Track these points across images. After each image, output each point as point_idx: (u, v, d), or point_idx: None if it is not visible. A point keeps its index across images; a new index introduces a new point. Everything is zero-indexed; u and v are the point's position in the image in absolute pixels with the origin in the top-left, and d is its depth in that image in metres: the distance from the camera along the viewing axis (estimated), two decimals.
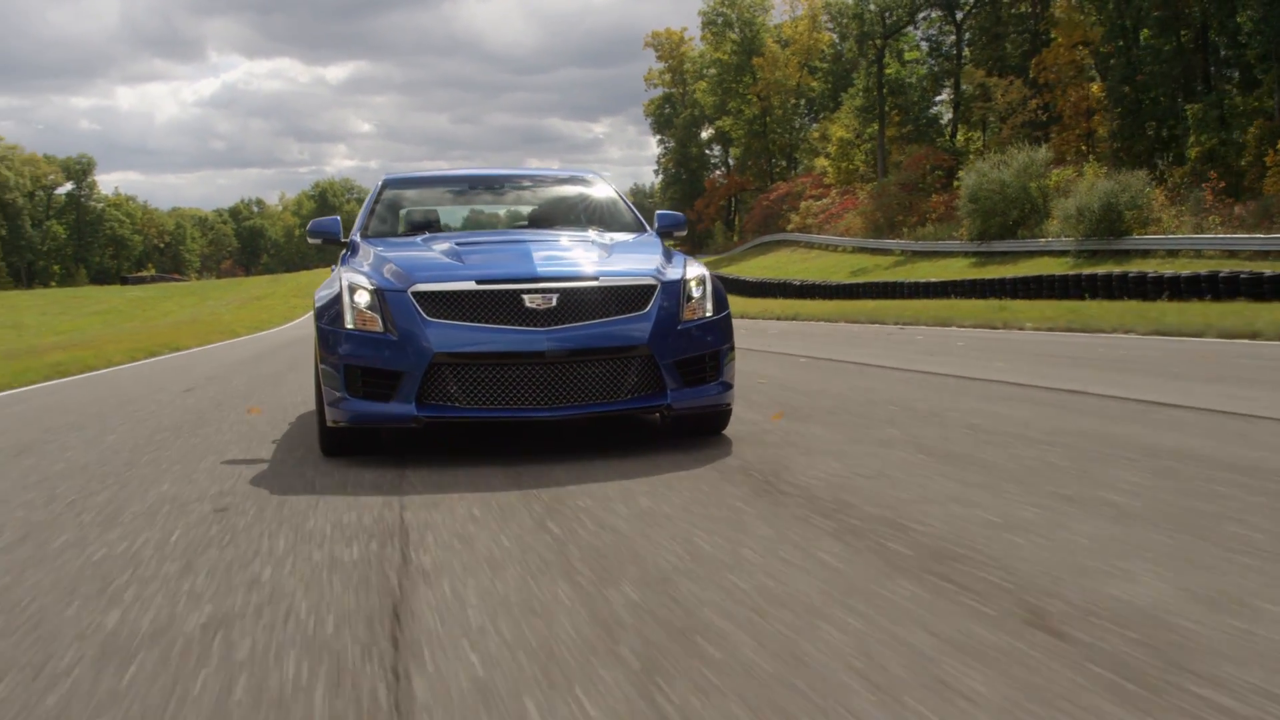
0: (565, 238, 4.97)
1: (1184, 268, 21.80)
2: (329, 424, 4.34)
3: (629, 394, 4.20)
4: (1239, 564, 2.26)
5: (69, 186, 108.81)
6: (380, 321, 4.19)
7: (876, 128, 50.70)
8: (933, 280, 27.69)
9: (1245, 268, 20.41)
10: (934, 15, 49.04)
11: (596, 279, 4.22)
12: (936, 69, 49.93)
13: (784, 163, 66.67)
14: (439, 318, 4.12)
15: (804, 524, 2.77)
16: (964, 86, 46.83)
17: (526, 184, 6.25)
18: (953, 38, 49.37)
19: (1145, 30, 36.74)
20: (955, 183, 41.21)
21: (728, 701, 1.64)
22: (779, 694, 1.66)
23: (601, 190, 6.05)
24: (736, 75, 65.71)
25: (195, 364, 12.51)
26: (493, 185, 6.25)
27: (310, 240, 5.50)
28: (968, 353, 8.94)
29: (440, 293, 4.16)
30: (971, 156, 43.71)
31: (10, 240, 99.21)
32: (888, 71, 50.41)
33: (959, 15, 48.56)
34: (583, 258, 4.47)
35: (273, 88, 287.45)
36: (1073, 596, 2.06)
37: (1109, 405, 4.92)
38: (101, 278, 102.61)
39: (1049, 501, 2.92)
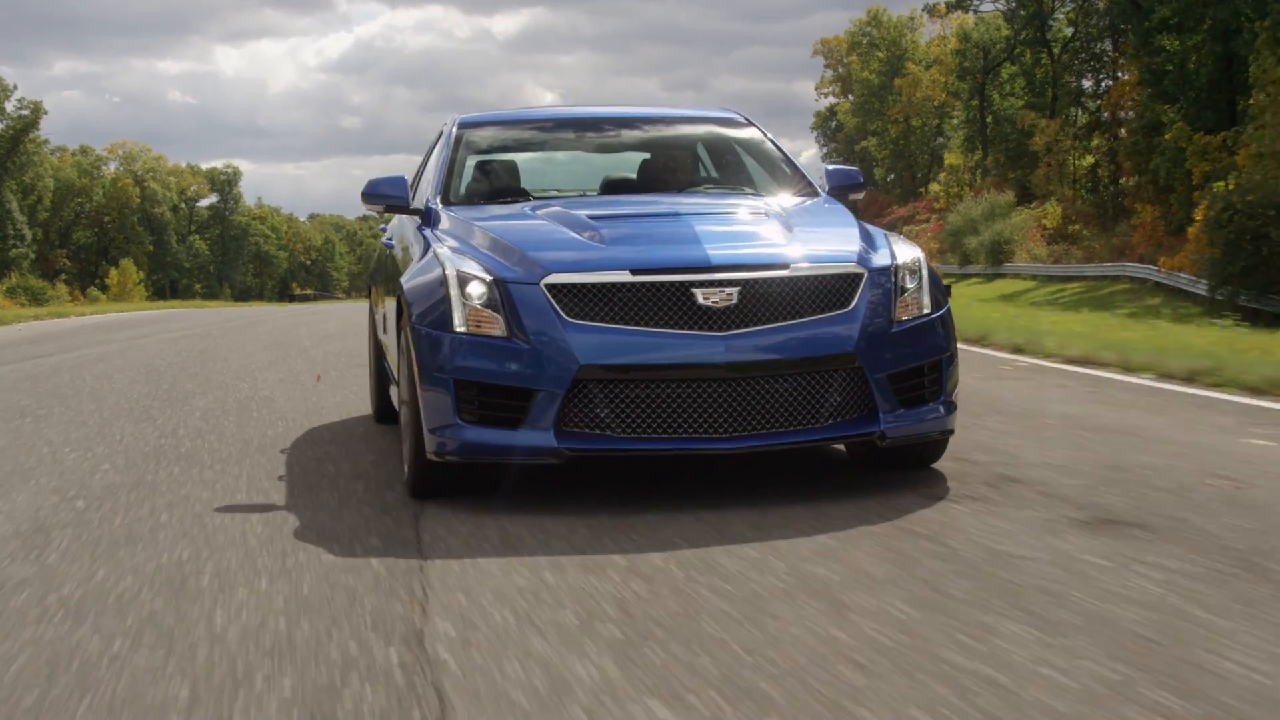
0: (731, 207, 5.33)
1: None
2: (430, 456, 4.54)
3: (830, 418, 4.47)
4: None
5: (213, 199, 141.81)
6: (503, 323, 4.40)
7: (979, 156, 72.97)
8: None
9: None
10: (1028, 55, 70.90)
11: (787, 266, 4.48)
12: (1034, 103, 71.72)
13: (925, 183, 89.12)
14: (583, 318, 4.36)
15: None
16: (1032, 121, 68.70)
17: (651, 126, 6.57)
18: (1051, 72, 70.99)
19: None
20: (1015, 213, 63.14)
21: None
22: None
23: (750, 136, 6.35)
24: (879, 95, 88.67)
25: None
26: (607, 128, 6.58)
27: (367, 207, 5.72)
28: None
29: (584, 286, 4.40)
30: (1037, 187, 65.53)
31: (157, 257, 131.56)
32: (996, 104, 72.52)
33: (1056, 51, 70.08)
34: (764, 236, 4.78)
35: (422, 44, 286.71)
36: None
37: None
38: (244, 297, 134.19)
39: None
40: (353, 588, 3.62)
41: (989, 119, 72.38)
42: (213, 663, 2.98)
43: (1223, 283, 35.90)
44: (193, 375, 10.58)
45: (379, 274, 7.11)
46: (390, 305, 5.89)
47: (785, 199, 5.61)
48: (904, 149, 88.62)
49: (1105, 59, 67.18)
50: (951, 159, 75.95)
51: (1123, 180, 58.88)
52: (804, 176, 5.96)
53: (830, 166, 5.86)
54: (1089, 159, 66.63)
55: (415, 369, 4.59)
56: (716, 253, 4.49)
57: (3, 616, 3.42)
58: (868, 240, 4.89)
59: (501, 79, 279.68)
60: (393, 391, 5.98)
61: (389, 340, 6.01)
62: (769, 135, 6.30)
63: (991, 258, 51.32)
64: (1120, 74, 65.27)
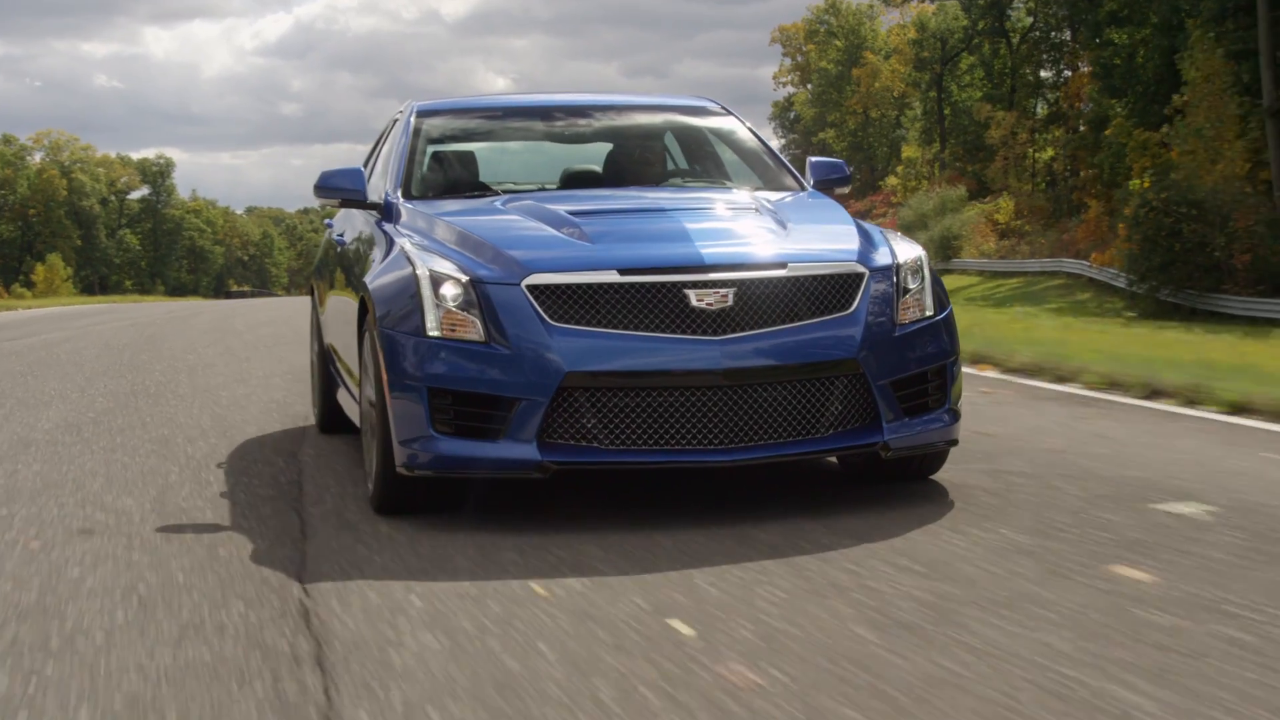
0: (718, 202, 5.49)
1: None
2: (400, 469, 4.64)
3: (831, 428, 4.59)
4: None
5: (144, 191, 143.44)
6: (480, 327, 4.50)
7: (937, 149, 76.94)
8: None
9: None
10: (987, 45, 74.83)
11: (784, 266, 4.61)
12: (993, 94, 75.68)
13: (885, 176, 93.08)
14: (567, 322, 4.46)
15: None
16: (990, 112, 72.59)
17: (622, 115, 6.74)
18: (1009, 63, 74.95)
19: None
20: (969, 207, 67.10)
21: None
22: None
23: (727, 126, 6.54)
24: (837, 86, 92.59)
25: None
26: (575, 116, 6.75)
27: (321, 201, 5.93)
28: None
29: (569, 287, 4.51)
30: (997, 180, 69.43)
31: (85, 252, 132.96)
32: (954, 96, 76.53)
33: (1015, 41, 74.05)
34: (758, 234, 4.91)
35: (367, 27, 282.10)
36: None
37: None
38: (178, 294, 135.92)
39: None
40: (264, 441, 6.98)
41: (947, 111, 76.31)
42: (190, 461, 6.31)
43: (1141, 278, 39.60)
44: (147, 351, 13.90)
45: (325, 270, 7.28)
46: (339, 303, 6.36)
47: (769, 193, 5.76)
48: (862, 141, 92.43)
49: (1065, 49, 71.06)
50: (909, 152, 79.83)
51: (1083, 173, 62.84)
52: (788, 169, 6.12)
53: (814, 159, 6.04)
54: (1049, 151, 70.67)
55: (384, 376, 4.68)
56: (709, 251, 4.60)
57: (69, 452, 6.72)
58: (866, 238, 5.00)
59: (451, 63, 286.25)
60: (341, 397, 6.50)
61: (338, 342, 6.39)
62: (748, 124, 6.47)
63: (940, 253, 55.11)
64: (1080, 65, 69.25)
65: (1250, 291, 36.50)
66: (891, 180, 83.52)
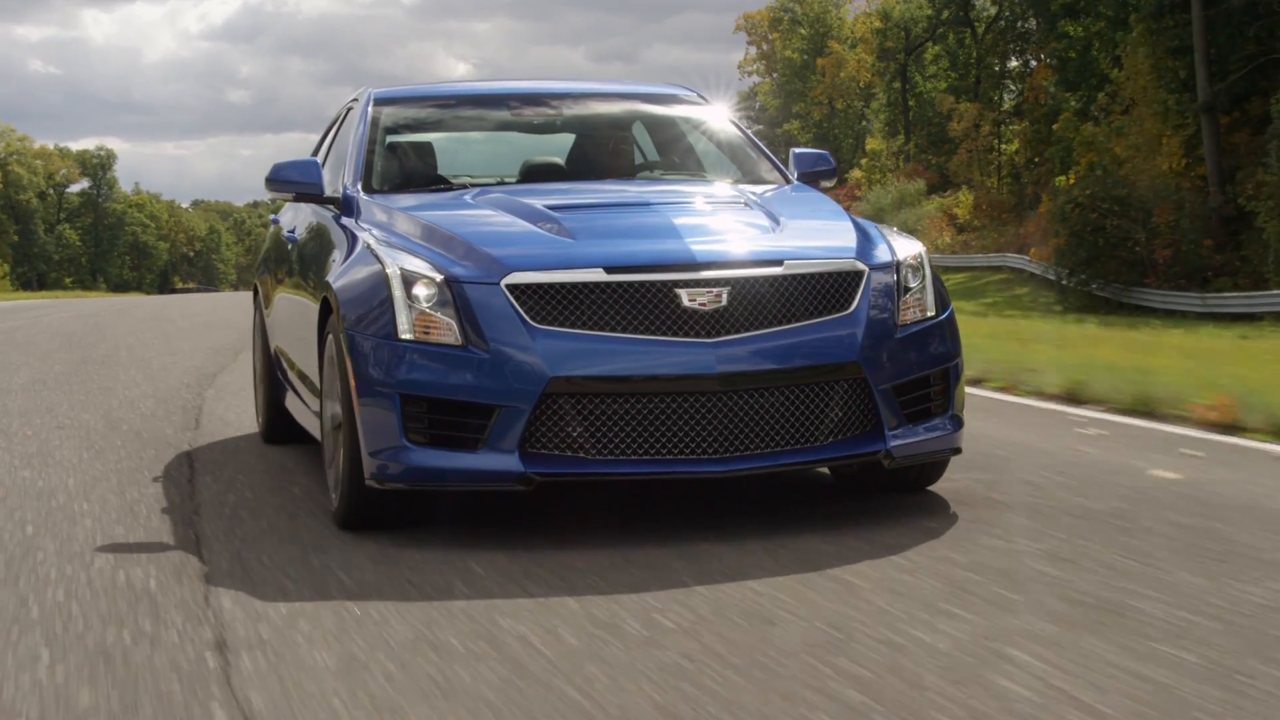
0: (704, 195, 5.60)
1: None
2: (369, 482, 4.60)
3: (831, 436, 4.61)
4: None
5: (85, 184, 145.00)
6: (456, 329, 4.49)
7: (901, 141, 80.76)
8: None
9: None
10: (952, 35, 78.62)
11: (780, 263, 4.63)
12: (958, 85, 79.52)
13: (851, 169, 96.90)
14: (550, 323, 4.46)
15: None
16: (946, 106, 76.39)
17: (593, 103, 6.76)
18: (975, 53, 78.82)
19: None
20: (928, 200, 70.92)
21: None
22: None
23: (706, 115, 6.60)
24: (802, 76, 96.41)
25: None
26: (543, 104, 6.80)
27: (273, 195, 5.94)
28: None
29: (552, 286, 4.50)
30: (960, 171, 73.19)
31: (23, 248, 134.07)
32: (919, 87, 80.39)
33: (980, 31, 77.89)
34: (750, 229, 4.95)
35: (319, 9, 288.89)
36: None
37: None
38: (121, 291, 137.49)
39: None
40: (181, 386, 10.40)
41: (911, 103, 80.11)
42: (127, 397, 9.72)
43: (1070, 273, 43.24)
44: (93, 335, 17.38)
45: (272, 268, 7.44)
46: (291, 304, 6.50)
47: (753, 187, 5.81)
48: (828, 133, 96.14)
49: (1031, 39, 74.91)
50: (873, 144, 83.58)
51: (1043, 167, 66.61)
52: (771, 160, 6.20)
53: (798, 150, 6.16)
54: (1015, 144, 74.52)
55: (351, 382, 4.66)
56: (701, 248, 4.63)
57: (41, 394, 10.11)
58: (863, 233, 5.06)
59: (409, 48, 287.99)
60: (290, 404, 6.73)
61: (289, 345, 6.60)
62: (728, 113, 6.60)
63: None
64: (1044, 57, 73.11)
65: (1170, 285, 40.10)
66: (856, 173, 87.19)
